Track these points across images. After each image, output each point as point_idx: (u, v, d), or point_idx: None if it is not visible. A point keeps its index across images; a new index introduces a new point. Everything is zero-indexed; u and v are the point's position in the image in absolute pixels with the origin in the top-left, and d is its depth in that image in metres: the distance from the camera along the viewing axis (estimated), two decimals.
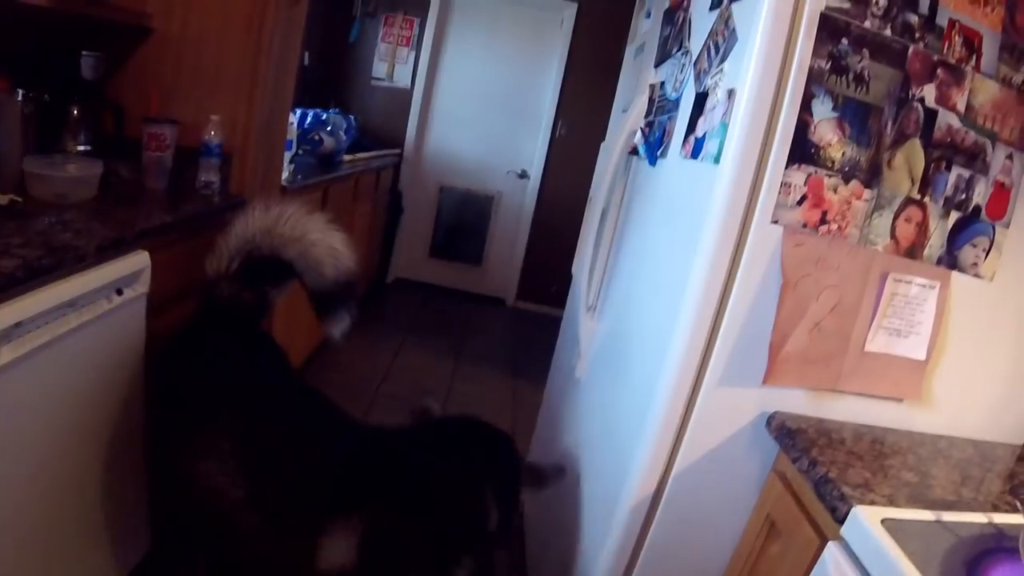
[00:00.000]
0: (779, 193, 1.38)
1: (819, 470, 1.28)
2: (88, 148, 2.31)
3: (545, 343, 5.22)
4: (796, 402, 1.53)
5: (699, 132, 1.55)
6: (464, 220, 6.39)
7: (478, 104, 6.14)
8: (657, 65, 2.02)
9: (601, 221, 2.19)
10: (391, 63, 6.04)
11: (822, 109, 1.38)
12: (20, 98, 2.03)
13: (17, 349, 1.45)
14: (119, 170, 2.35)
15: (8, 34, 2.22)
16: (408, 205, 6.20)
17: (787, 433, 1.43)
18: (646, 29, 2.33)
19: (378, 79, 6.09)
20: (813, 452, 1.34)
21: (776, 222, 1.40)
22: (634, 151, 2.06)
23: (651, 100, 2.00)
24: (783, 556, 1.38)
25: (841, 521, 1.16)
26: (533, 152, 6.18)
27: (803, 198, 1.40)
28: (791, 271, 1.41)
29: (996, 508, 1.27)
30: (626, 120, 2.08)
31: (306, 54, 5.05)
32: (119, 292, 1.82)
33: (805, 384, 1.50)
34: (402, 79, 6.07)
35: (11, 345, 1.44)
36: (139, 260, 1.90)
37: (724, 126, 1.41)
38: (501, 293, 6.53)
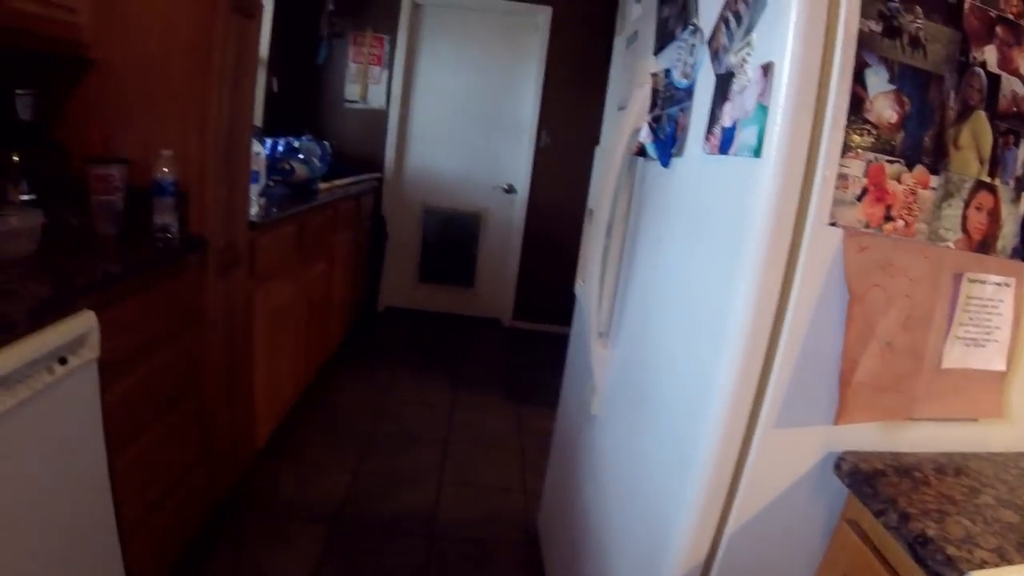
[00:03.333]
0: (836, 187, 1.13)
1: (913, 527, 1.03)
2: (32, 196, 2.06)
3: (546, 363, 5.09)
4: (864, 436, 1.28)
5: (726, 121, 1.29)
6: (452, 241, 6.15)
7: (457, 119, 5.92)
8: (658, 52, 1.78)
9: (606, 235, 1.94)
10: (363, 83, 5.81)
11: (877, 81, 1.13)
12: None
13: None
14: (66, 217, 2.12)
15: None
16: (392, 230, 5.97)
17: (864, 479, 1.18)
18: (638, 15, 2.09)
19: (351, 101, 5.87)
20: (901, 503, 1.09)
21: (835, 223, 1.15)
22: (640, 152, 1.81)
23: (655, 92, 1.75)
24: None
25: None
26: (518, 165, 5.96)
27: (863, 191, 1.15)
28: (857, 282, 1.16)
29: None
30: (625, 118, 1.83)
31: (274, 80, 4.85)
32: (62, 361, 1.58)
33: (878, 417, 1.26)
34: (376, 99, 5.85)
35: None
36: (83, 321, 1.66)
37: (763, 109, 1.15)
38: (496, 313, 6.30)
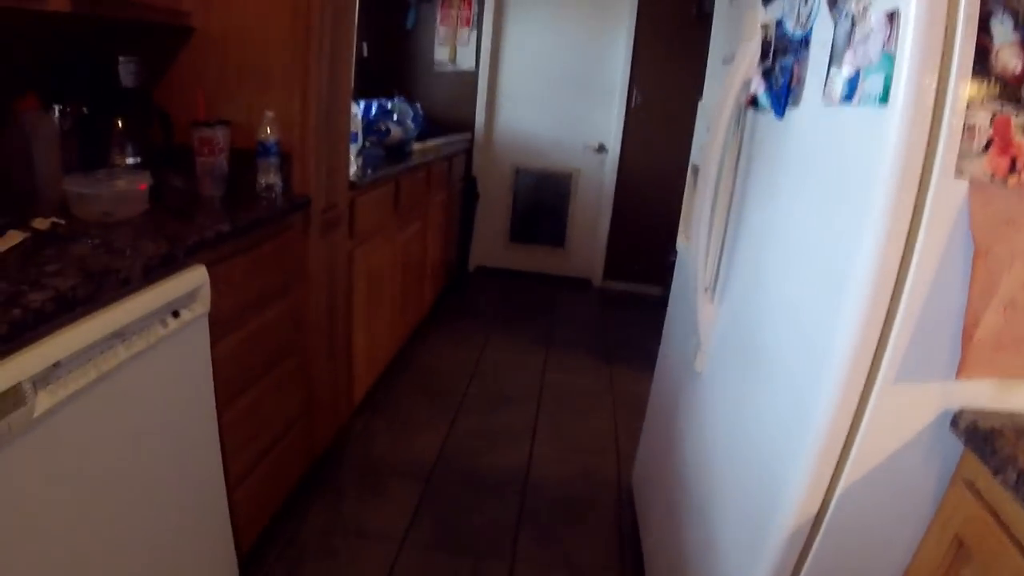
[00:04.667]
0: (962, 138, 1.10)
1: None
2: (137, 160, 2.12)
3: (637, 323, 5.08)
4: (981, 396, 1.24)
5: (848, 70, 1.26)
6: (543, 201, 6.13)
7: (547, 79, 5.86)
8: (767, 2, 1.74)
9: (713, 189, 1.91)
10: (452, 46, 5.81)
11: (1002, 30, 1.09)
12: (56, 115, 1.87)
13: (57, 393, 1.26)
14: (172, 180, 2.18)
15: (34, 47, 2.04)
16: (483, 190, 5.99)
17: (981, 437, 1.15)
18: None
19: (441, 64, 5.87)
20: (1021, 461, 1.06)
21: (960, 175, 1.11)
22: (751, 103, 1.78)
23: (765, 43, 1.71)
24: None
25: None
26: (609, 124, 5.86)
27: (989, 143, 1.11)
28: (982, 236, 1.12)
29: None
30: (735, 70, 1.80)
31: (364, 45, 4.88)
32: (175, 315, 1.63)
33: (997, 374, 1.22)
34: (466, 61, 5.84)
35: (50, 389, 1.25)
36: (195, 276, 1.70)
37: (888, 58, 1.12)
38: (587, 274, 6.28)
